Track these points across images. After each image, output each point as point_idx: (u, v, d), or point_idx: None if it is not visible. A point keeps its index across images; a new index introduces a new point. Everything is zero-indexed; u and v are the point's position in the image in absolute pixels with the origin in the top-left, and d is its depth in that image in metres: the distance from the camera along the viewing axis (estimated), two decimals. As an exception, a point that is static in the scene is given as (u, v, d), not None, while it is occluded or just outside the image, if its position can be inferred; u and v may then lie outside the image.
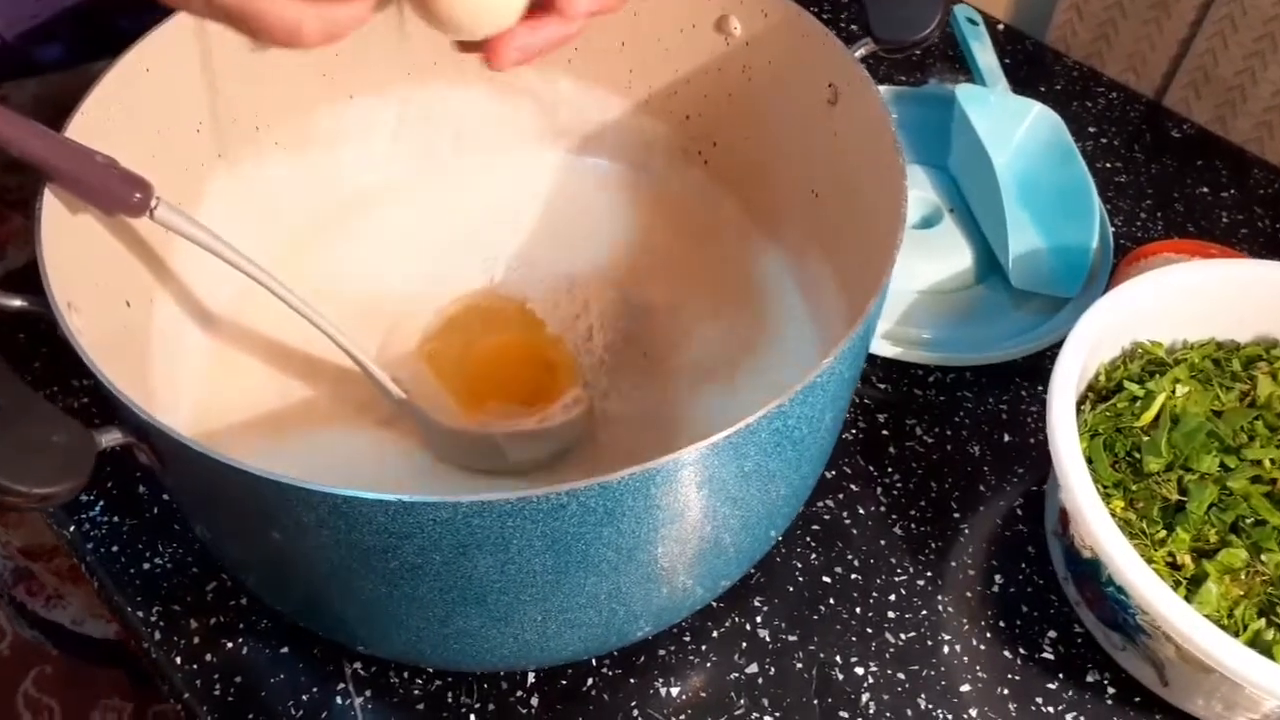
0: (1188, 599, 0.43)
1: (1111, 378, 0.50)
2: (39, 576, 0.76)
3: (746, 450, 0.36)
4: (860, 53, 0.47)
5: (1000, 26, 0.78)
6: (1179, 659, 0.43)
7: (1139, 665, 0.46)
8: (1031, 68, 0.76)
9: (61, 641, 0.81)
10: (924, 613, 0.50)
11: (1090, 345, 0.48)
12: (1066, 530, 0.47)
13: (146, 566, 0.50)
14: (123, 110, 0.46)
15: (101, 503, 0.52)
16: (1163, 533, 0.45)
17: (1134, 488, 0.46)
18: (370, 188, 0.60)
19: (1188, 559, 0.45)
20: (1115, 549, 0.42)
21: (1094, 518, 0.43)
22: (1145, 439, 0.47)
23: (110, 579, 0.50)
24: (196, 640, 0.48)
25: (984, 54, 0.72)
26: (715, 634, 0.49)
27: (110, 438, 0.35)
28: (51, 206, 0.41)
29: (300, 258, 0.57)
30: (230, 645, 0.48)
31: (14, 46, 0.54)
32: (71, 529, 0.51)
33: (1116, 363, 0.51)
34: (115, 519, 0.52)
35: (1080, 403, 0.49)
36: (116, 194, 0.41)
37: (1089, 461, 0.46)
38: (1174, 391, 0.49)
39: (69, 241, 0.42)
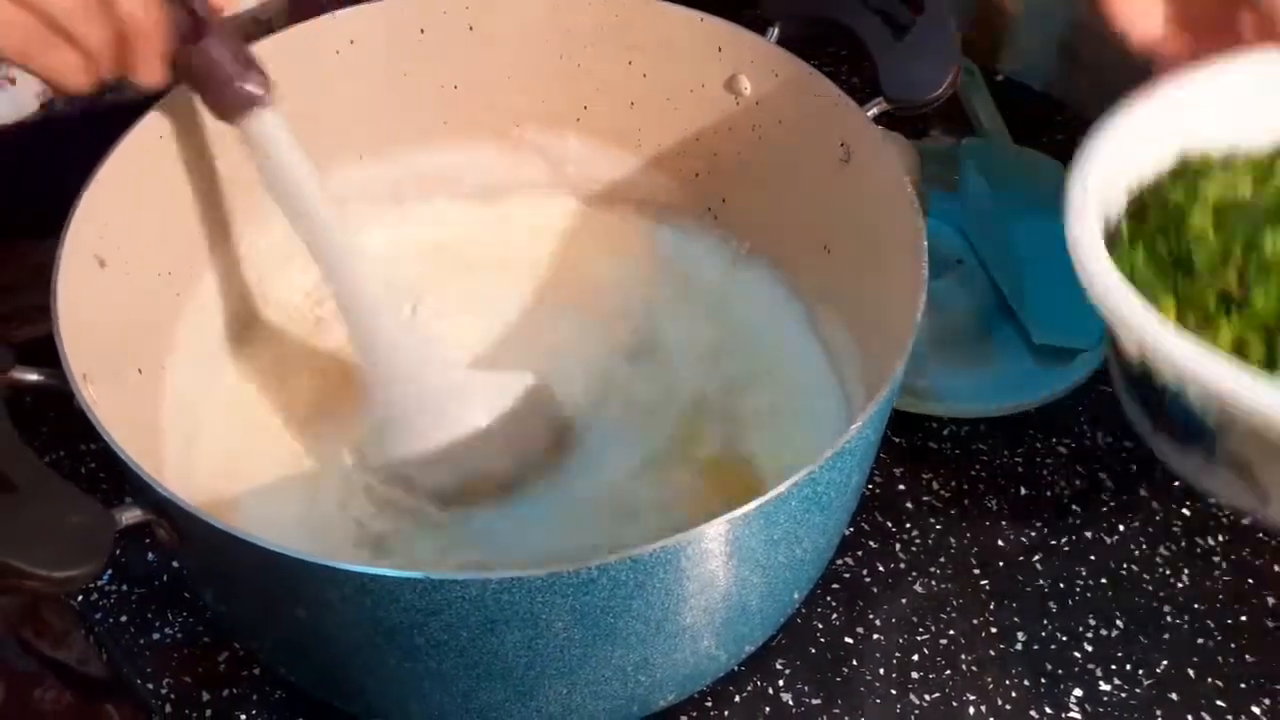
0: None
1: (1153, 196, 0.43)
2: (45, 617, 0.75)
3: (777, 518, 0.36)
4: (873, 112, 0.48)
5: (999, 78, 0.79)
6: (1260, 452, 0.36)
7: (1227, 482, 0.39)
8: (1033, 119, 0.76)
9: (67, 680, 0.81)
10: (948, 673, 0.49)
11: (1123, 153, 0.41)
12: (1120, 356, 0.41)
13: (156, 637, 0.49)
14: (138, 176, 0.46)
15: (110, 571, 0.51)
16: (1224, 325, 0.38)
17: (1183, 290, 0.40)
18: (374, 249, 0.60)
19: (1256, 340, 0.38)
20: (1147, 327, 0.36)
21: (1135, 317, 0.37)
22: (1194, 234, 0.40)
23: (120, 651, 0.49)
24: (209, 714, 0.47)
25: (984, 106, 0.72)
26: (737, 699, 0.48)
27: (129, 515, 0.35)
28: (68, 277, 0.41)
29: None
30: (244, 719, 0.47)
31: None
32: (79, 599, 0.50)
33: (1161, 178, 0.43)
34: (124, 587, 0.51)
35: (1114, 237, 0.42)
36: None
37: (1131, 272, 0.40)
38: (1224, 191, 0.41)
39: (84, 312, 0.42)
